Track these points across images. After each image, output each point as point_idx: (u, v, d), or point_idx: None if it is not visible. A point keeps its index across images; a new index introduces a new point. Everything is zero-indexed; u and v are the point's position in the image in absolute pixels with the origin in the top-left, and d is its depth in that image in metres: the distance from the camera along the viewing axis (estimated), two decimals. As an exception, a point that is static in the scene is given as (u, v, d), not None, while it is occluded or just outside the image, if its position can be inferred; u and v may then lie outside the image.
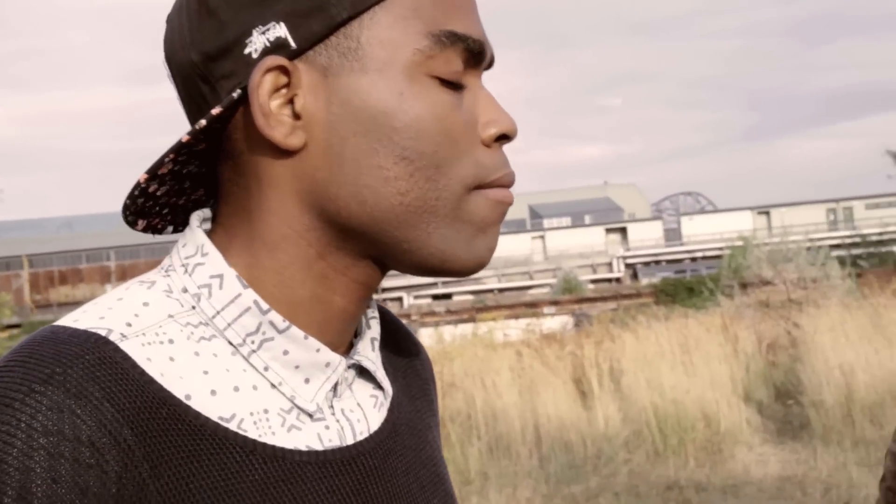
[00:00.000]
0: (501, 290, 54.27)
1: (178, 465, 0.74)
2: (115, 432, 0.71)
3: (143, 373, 0.75)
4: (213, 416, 0.77)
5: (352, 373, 0.87)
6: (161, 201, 0.85)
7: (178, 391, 0.77)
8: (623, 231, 75.02)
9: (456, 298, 47.85)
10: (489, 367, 11.65)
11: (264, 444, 0.78)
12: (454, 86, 0.81)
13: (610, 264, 64.32)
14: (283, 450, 0.79)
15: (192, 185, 0.87)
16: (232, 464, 0.76)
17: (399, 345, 0.99)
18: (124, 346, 0.75)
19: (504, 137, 0.83)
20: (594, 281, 57.13)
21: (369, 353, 0.88)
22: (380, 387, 0.90)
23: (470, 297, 48.27)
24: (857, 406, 10.19)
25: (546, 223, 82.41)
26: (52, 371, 0.71)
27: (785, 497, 7.81)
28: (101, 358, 0.73)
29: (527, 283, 57.59)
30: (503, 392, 10.75)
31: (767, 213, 71.72)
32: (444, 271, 0.81)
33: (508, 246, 67.54)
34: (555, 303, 35.24)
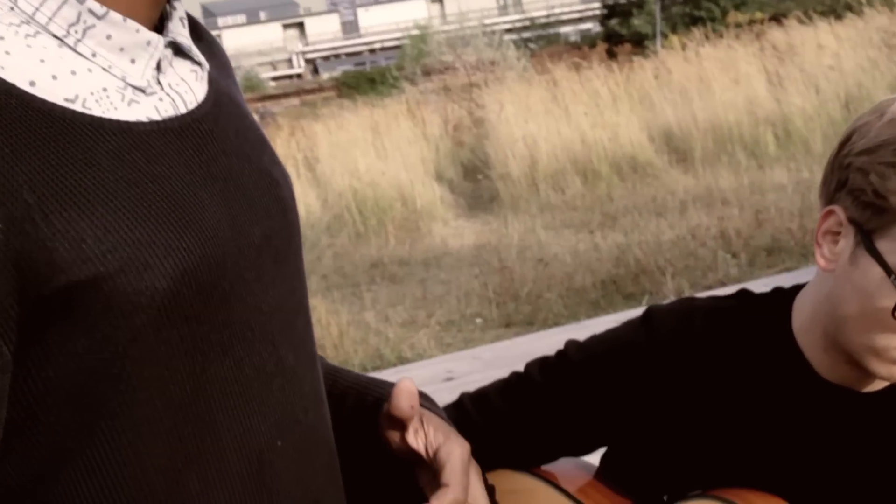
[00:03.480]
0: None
1: (37, 146, 0.77)
2: None
3: None
4: (59, 100, 0.80)
5: (169, 51, 0.90)
6: None
7: (21, 80, 0.78)
8: (300, 26, 74.16)
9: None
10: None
11: (110, 120, 0.82)
12: None
13: (290, 60, 63.69)
14: (127, 122, 0.83)
15: None
16: (85, 139, 0.79)
17: (197, 28, 1.01)
18: None
19: None
20: (275, 78, 56.55)
21: (181, 30, 0.92)
22: (196, 62, 0.93)
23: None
24: (540, 175, 10.82)
25: (220, 21, 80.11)
26: None
27: (483, 262, 8.27)
28: None
29: (206, 85, 56.00)
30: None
31: (441, 1, 72.67)
32: None
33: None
34: (238, 102, 34.66)
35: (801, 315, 1.61)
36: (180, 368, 0.82)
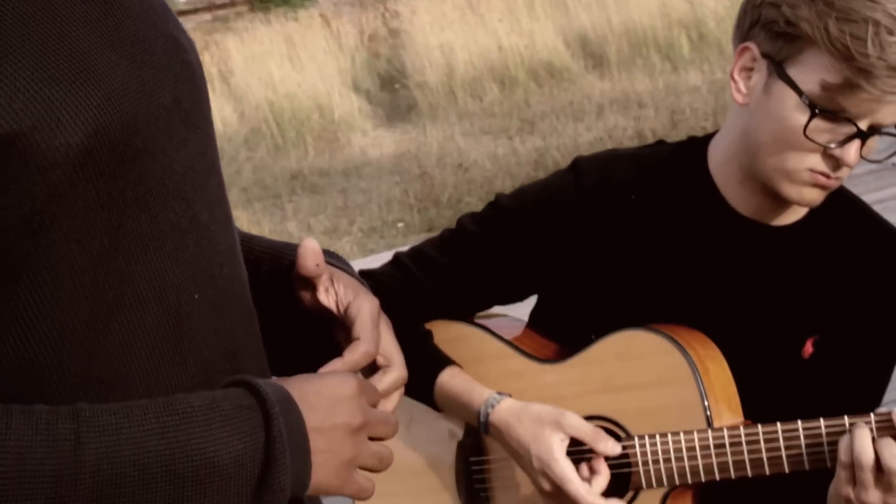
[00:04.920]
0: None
1: None
2: None
3: None
4: None
5: None
6: None
7: None
8: (210, -60, 72.52)
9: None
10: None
11: None
12: None
13: (200, -24, 62.31)
14: None
15: None
16: None
17: None
18: None
19: None
20: (186, -6, 55.33)
21: None
22: None
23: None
24: (458, 83, 10.80)
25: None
26: None
27: (403, 170, 8.30)
28: None
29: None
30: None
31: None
32: None
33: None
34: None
35: (717, 153, 1.71)
36: (97, 223, 0.85)
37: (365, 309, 1.04)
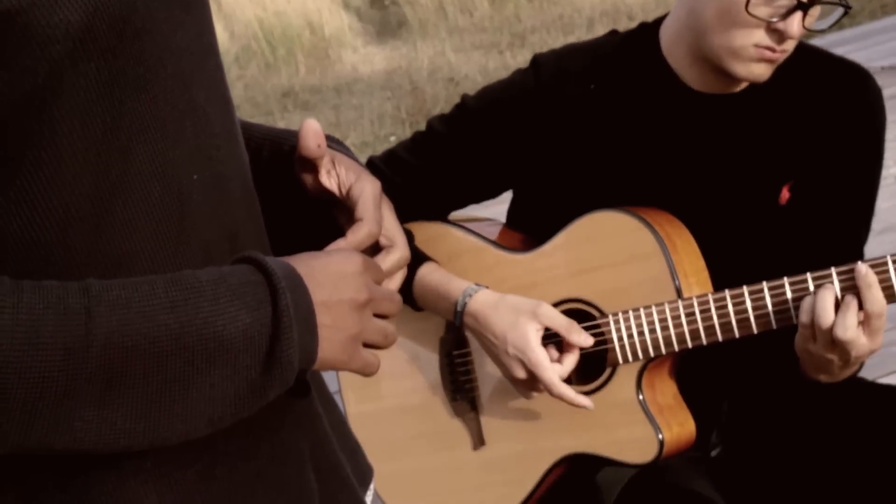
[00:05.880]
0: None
1: None
2: None
3: None
4: None
5: None
6: None
7: None
8: None
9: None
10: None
11: None
12: None
13: None
14: None
15: None
16: None
17: None
18: None
19: None
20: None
21: None
22: None
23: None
24: (448, -2, 10.71)
25: None
26: None
27: (394, 86, 8.27)
28: None
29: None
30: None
31: None
32: None
33: None
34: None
35: (667, 36, 1.76)
36: (99, 101, 0.85)
37: (367, 190, 1.04)
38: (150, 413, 0.83)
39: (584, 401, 1.69)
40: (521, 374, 1.71)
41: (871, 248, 1.86)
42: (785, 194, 1.76)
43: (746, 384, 1.86)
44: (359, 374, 0.97)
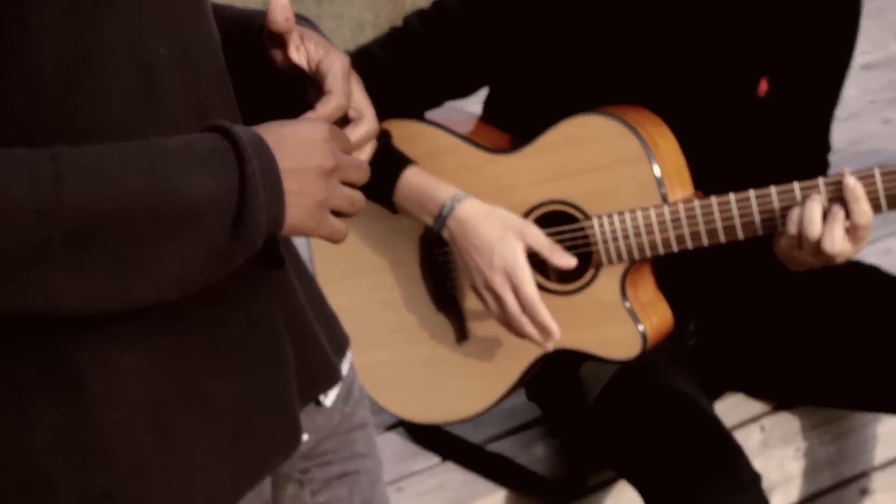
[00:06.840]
0: None
1: None
2: None
3: None
4: None
5: None
6: None
7: None
8: None
9: None
10: None
11: None
12: None
13: None
14: None
15: None
16: None
17: None
18: None
19: None
20: None
21: None
22: None
23: None
24: None
25: None
26: None
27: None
28: None
29: None
30: None
31: None
32: None
33: None
34: None
35: None
36: None
37: (336, 64, 1.05)
38: (122, 276, 0.85)
39: (554, 326, 1.71)
40: (497, 280, 1.72)
41: (836, 134, 1.88)
42: (763, 86, 1.76)
43: (723, 278, 1.89)
44: (327, 242, 0.98)
